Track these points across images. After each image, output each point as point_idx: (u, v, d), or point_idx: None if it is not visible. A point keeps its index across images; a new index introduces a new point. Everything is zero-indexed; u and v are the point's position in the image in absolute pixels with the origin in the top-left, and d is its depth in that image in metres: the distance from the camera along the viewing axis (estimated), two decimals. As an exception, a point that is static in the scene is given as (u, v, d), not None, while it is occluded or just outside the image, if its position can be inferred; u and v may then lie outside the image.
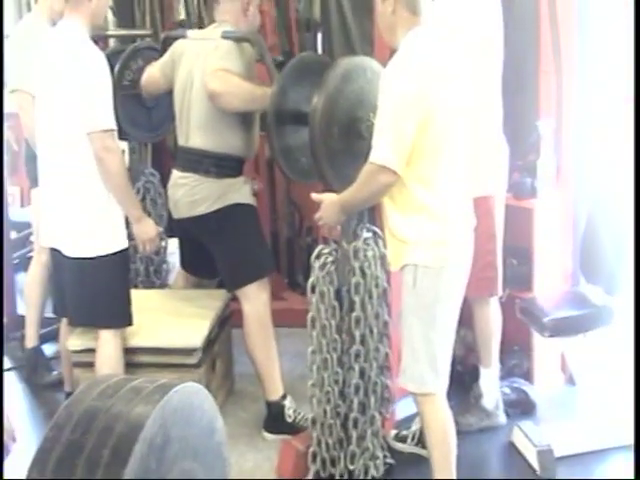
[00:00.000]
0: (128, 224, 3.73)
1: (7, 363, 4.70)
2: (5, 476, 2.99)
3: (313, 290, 3.36)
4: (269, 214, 5.39)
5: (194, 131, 3.87)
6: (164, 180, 4.50)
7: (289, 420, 3.91)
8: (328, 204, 3.20)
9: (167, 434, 2.22)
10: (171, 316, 4.03)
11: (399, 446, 3.76)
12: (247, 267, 3.96)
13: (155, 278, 4.93)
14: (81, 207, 3.55)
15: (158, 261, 4.93)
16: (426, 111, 2.92)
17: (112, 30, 5.21)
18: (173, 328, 3.93)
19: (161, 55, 4.12)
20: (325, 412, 3.42)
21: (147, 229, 3.74)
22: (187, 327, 3.92)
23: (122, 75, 4.27)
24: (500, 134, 3.78)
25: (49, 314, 4.52)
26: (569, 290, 4.20)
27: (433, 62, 3.00)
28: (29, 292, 4.61)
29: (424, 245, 3.04)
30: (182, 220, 3.97)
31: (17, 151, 5.04)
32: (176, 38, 4.08)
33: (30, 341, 4.60)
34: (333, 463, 3.45)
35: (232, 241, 3.89)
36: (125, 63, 4.30)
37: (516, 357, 4.31)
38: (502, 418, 3.97)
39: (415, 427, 3.73)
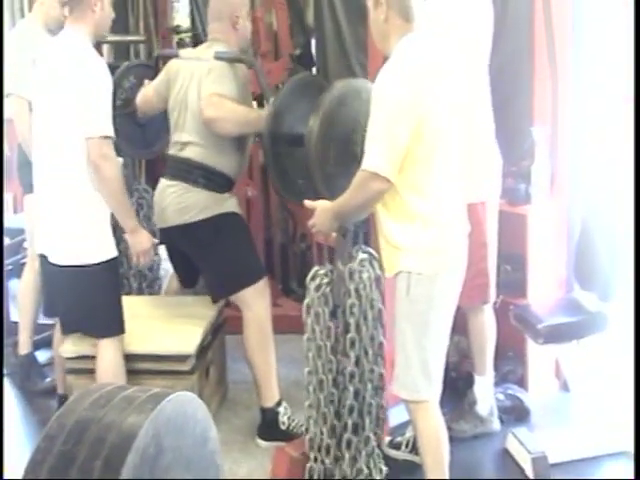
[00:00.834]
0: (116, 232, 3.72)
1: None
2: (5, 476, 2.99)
3: (308, 311, 3.37)
4: (263, 220, 5.39)
5: (188, 145, 3.90)
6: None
7: (283, 427, 3.90)
8: (321, 211, 3.20)
9: (160, 444, 2.21)
10: (164, 323, 4.02)
11: (393, 453, 3.75)
12: (239, 273, 3.95)
13: (145, 287, 4.93)
14: (75, 214, 3.54)
15: (151, 277, 4.94)
16: (419, 118, 2.92)
17: (106, 36, 5.19)
18: (166, 335, 3.92)
19: (155, 73, 4.15)
20: (321, 433, 3.42)
21: (142, 240, 3.72)
22: (180, 334, 3.91)
23: (115, 93, 4.26)
24: (492, 140, 3.78)
25: (43, 320, 4.51)
26: (563, 297, 4.19)
27: (426, 69, 2.99)
28: (22, 299, 4.60)
29: (418, 252, 3.04)
30: (168, 229, 3.97)
31: (10, 157, 5.01)
32: (169, 56, 4.13)
33: (23, 348, 4.59)
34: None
35: (220, 250, 3.89)
36: (118, 81, 4.28)
37: (510, 363, 4.30)
38: (496, 425, 3.97)
39: (409, 434, 3.72)
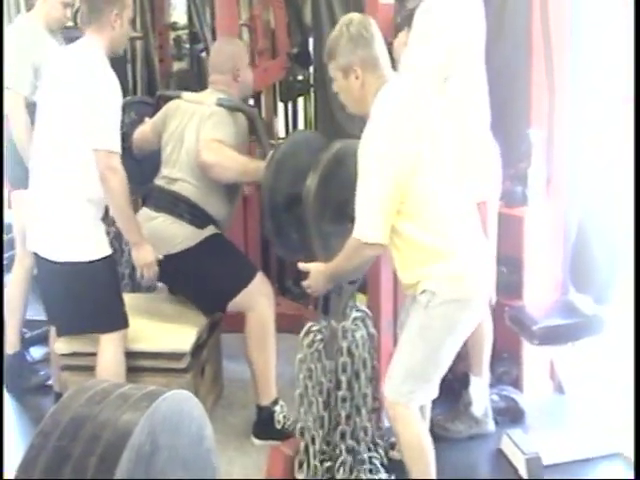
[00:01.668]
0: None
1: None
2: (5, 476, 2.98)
3: (301, 367, 3.42)
4: (259, 220, 5.37)
5: (178, 181, 3.91)
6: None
7: (278, 426, 3.90)
8: (316, 273, 3.21)
9: (155, 442, 2.20)
10: (160, 320, 4.00)
11: (392, 454, 3.75)
12: (222, 288, 3.93)
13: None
14: (74, 214, 3.53)
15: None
16: (408, 170, 2.91)
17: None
18: (162, 332, 3.90)
19: (155, 111, 4.17)
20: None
21: (145, 255, 3.70)
22: (176, 332, 3.89)
23: None
24: (490, 139, 3.79)
25: (37, 317, 4.50)
26: (559, 299, 4.19)
27: (409, 113, 2.99)
28: (11, 297, 4.55)
29: (439, 277, 3.00)
30: None
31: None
32: (170, 97, 4.16)
33: (11, 347, 4.54)
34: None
35: (200, 274, 3.88)
36: None
37: (505, 365, 4.30)
38: (491, 426, 3.97)
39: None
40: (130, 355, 3.72)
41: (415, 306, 3.08)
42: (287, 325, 4.28)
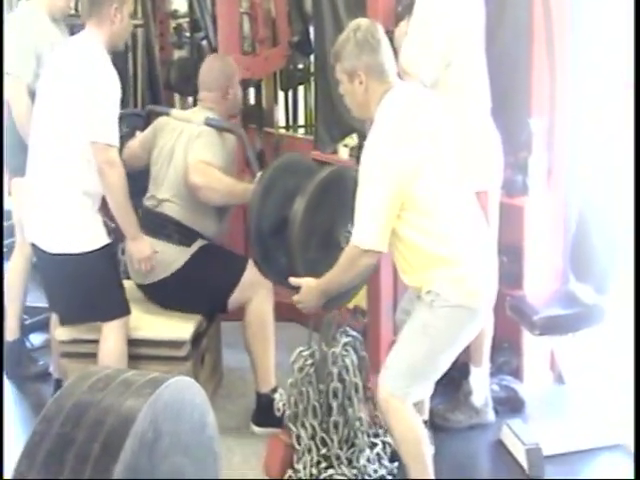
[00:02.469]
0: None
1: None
2: (5, 476, 2.97)
3: (292, 390, 3.44)
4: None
5: (166, 201, 3.91)
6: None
7: (278, 414, 3.89)
8: (307, 289, 3.20)
9: (158, 428, 2.19)
10: (160, 308, 4.00)
11: None
12: (214, 293, 3.95)
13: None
14: (72, 204, 3.54)
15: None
16: (409, 179, 2.91)
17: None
18: (162, 320, 3.90)
19: (145, 125, 4.17)
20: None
21: (142, 248, 3.72)
22: (176, 320, 3.89)
23: None
24: (491, 127, 3.78)
25: (37, 304, 4.49)
26: (559, 289, 4.18)
27: (410, 124, 3.00)
28: (11, 284, 4.54)
29: (444, 280, 3.00)
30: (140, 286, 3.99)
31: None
32: (160, 113, 4.17)
33: (11, 334, 4.54)
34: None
35: (189, 289, 3.89)
36: None
37: (505, 355, 4.30)
38: (491, 416, 3.97)
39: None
40: (131, 343, 3.73)
41: (420, 303, 3.08)
42: (286, 313, 4.28)
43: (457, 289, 3.00)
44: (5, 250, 5.08)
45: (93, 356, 3.63)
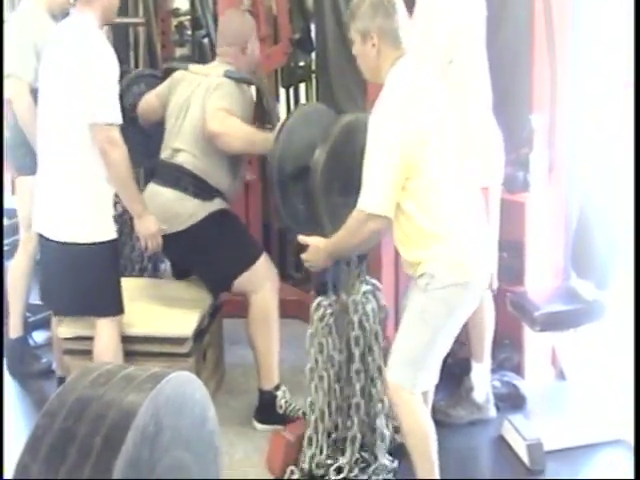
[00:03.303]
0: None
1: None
2: (5, 476, 2.98)
3: (312, 342, 3.40)
4: (261, 205, 5.38)
5: (181, 152, 3.90)
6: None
7: (280, 410, 3.90)
8: (315, 249, 3.21)
9: (159, 423, 2.21)
10: (162, 305, 4.01)
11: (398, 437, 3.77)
12: (227, 267, 3.93)
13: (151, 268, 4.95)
14: (78, 195, 3.54)
15: (154, 259, 4.94)
16: (417, 146, 2.91)
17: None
18: (164, 317, 3.91)
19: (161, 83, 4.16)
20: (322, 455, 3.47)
21: (149, 225, 3.71)
22: (178, 316, 3.91)
23: (123, 98, 4.24)
24: (493, 124, 3.79)
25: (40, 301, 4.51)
26: (560, 285, 4.19)
27: (419, 95, 3.00)
28: (14, 282, 4.56)
29: (439, 260, 3.01)
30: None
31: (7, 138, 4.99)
32: (177, 69, 4.14)
33: (14, 331, 4.56)
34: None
35: (207, 250, 3.89)
36: (128, 87, 4.29)
37: (507, 351, 4.31)
38: (492, 411, 3.98)
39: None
40: (133, 339, 3.74)
41: (414, 290, 3.09)
42: (288, 310, 4.29)
43: (451, 266, 3.00)
44: (8, 248, 5.10)
45: (96, 353, 3.64)
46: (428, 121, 2.96)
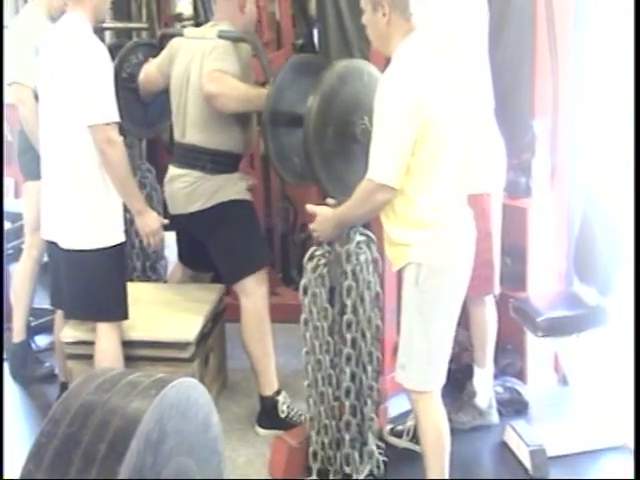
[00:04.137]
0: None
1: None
2: (5, 476, 2.98)
3: (305, 291, 3.37)
4: (263, 209, 5.38)
5: (190, 127, 3.88)
6: (160, 175, 4.51)
7: (282, 415, 3.91)
8: (323, 219, 3.20)
9: (163, 429, 2.22)
10: (165, 310, 4.02)
11: (394, 440, 3.77)
12: (243, 261, 3.95)
13: (151, 273, 4.93)
14: (82, 200, 3.54)
15: (155, 257, 4.93)
16: (424, 123, 2.90)
17: (108, 23, 5.19)
18: (167, 322, 3.92)
19: (159, 52, 4.13)
20: (320, 413, 3.44)
21: (150, 222, 3.73)
22: (181, 321, 3.91)
23: (121, 68, 4.25)
24: (495, 130, 3.79)
25: (43, 305, 4.50)
26: (563, 290, 4.19)
27: (429, 71, 2.98)
28: (18, 286, 4.58)
29: (425, 245, 3.02)
30: (178, 216, 3.98)
31: (11, 143, 5.00)
32: (173, 35, 4.11)
33: (18, 335, 4.57)
34: (330, 462, 3.48)
35: (227, 237, 3.89)
36: (125, 57, 4.29)
37: (509, 356, 4.31)
38: (495, 417, 3.98)
39: (410, 422, 3.73)
40: (135, 344, 3.74)
41: (405, 287, 3.10)
42: (290, 315, 4.28)
43: (435, 251, 3.01)
44: (12, 252, 5.11)
45: (99, 358, 3.64)
46: (436, 101, 2.94)
